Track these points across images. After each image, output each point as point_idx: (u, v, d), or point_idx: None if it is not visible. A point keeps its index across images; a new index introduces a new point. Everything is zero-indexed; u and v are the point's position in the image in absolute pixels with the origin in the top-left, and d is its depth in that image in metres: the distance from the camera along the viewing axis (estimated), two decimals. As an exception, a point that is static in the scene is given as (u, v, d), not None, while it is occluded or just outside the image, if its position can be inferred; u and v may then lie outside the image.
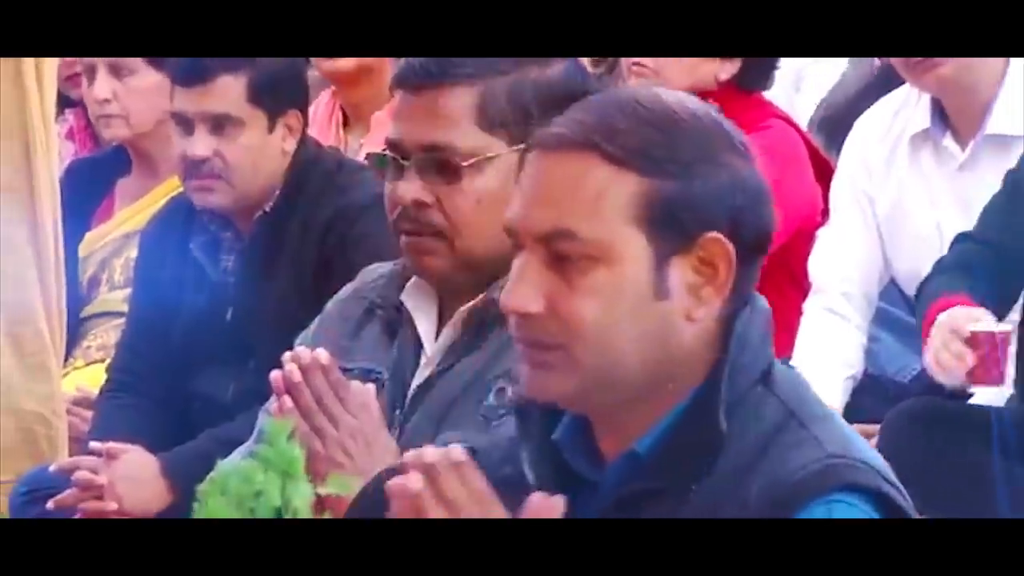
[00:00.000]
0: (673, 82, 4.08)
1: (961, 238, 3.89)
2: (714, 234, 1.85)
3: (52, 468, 3.77)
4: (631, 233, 1.85)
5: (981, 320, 3.68)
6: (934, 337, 3.62)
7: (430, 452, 1.88)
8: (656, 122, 1.89)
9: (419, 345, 2.59)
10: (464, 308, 2.48)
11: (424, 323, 2.60)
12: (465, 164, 2.43)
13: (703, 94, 3.85)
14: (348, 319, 2.77)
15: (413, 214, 2.49)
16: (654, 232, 1.85)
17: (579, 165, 1.85)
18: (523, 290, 1.86)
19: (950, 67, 3.85)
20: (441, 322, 2.63)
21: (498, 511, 1.86)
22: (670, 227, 1.87)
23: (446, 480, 1.84)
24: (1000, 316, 3.86)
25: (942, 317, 3.67)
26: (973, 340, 3.40)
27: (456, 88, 2.53)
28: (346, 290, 2.83)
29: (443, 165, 2.49)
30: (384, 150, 2.57)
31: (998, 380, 3.58)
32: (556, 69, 2.59)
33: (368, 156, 2.97)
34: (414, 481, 1.81)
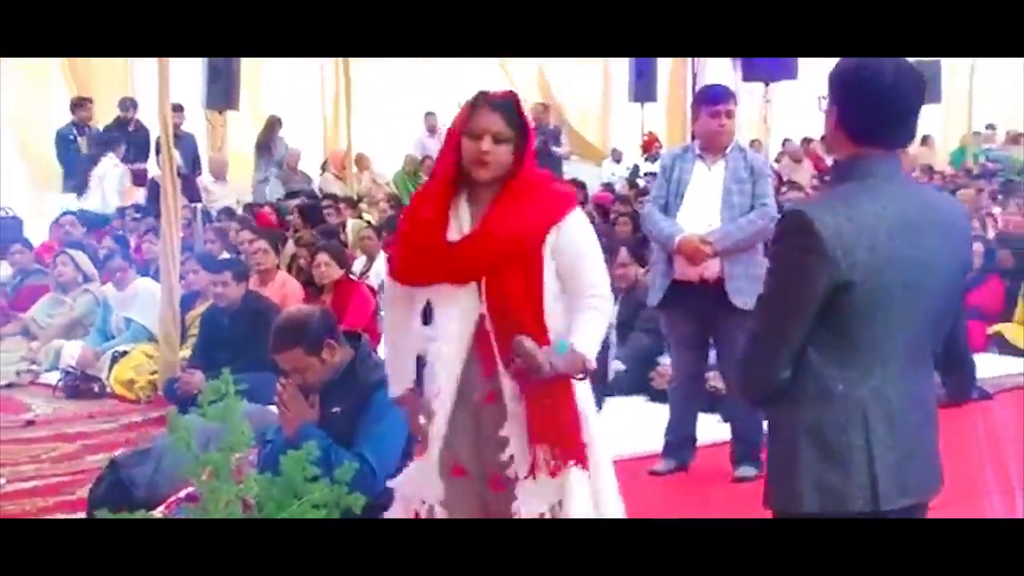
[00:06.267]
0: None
1: None
2: (325, 341, 4.90)
3: (176, 376, 8.19)
4: (308, 358, 4.93)
5: None
6: None
7: None
8: (284, 326, 4.92)
9: None
10: None
11: None
12: None
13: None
14: None
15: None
16: (312, 355, 4.91)
17: (289, 355, 4.90)
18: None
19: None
20: None
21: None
22: (315, 348, 4.93)
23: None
24: None
25: None
26: None
27: None
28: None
29: None
30: None
31: None
32: None
33: None
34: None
